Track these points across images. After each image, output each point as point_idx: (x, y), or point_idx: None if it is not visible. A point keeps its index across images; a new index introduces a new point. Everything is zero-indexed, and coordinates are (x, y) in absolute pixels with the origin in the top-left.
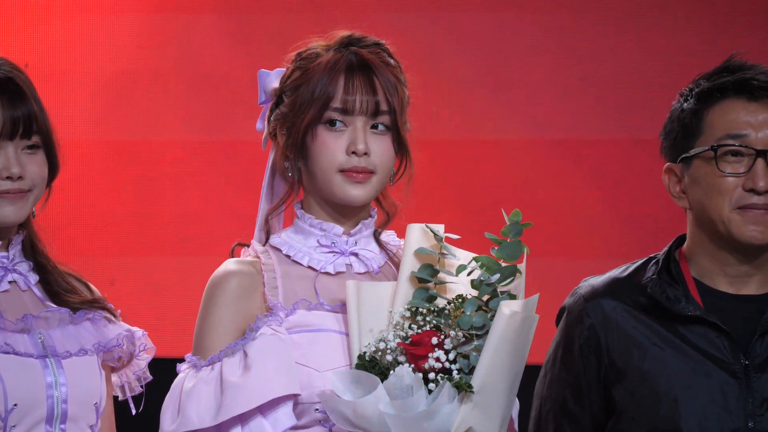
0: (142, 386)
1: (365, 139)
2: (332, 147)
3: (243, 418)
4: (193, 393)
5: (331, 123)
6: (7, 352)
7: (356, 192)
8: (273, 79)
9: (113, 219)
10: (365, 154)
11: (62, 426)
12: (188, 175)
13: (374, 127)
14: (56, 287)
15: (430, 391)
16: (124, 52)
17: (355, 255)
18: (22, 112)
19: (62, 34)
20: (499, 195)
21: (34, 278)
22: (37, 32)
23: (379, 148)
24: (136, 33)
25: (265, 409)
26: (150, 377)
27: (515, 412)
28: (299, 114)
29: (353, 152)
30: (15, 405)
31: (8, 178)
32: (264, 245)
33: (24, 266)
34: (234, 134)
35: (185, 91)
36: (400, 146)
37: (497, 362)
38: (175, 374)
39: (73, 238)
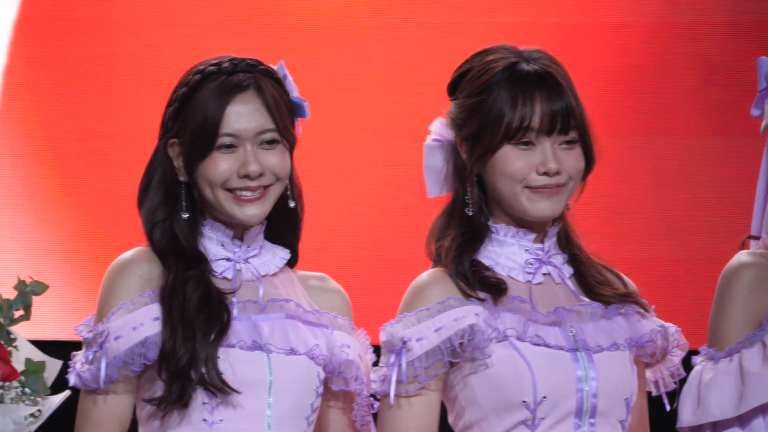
0: (675, 382)
1: None
2: None
3: (764, 410)
4: (712, 385)
5: None
6: (538, 344)
7: None
8: None
9: (623, 212)
10: None
11: (591, 420)
12: (699, 168)
13: None
14: (590, 279)
15: None
16: (633, 47)
17: None
18: (560, 106)
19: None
20: None
21: (568, 271)
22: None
23: None
24: (644, 26)
25: None
26: (683, 373)
27: None
28: None
29: None
30: (544, 397)
31: (545, 173)
32: None
33: (558, 258)
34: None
35: (695, 85)
36: None
37: None
38: None
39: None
